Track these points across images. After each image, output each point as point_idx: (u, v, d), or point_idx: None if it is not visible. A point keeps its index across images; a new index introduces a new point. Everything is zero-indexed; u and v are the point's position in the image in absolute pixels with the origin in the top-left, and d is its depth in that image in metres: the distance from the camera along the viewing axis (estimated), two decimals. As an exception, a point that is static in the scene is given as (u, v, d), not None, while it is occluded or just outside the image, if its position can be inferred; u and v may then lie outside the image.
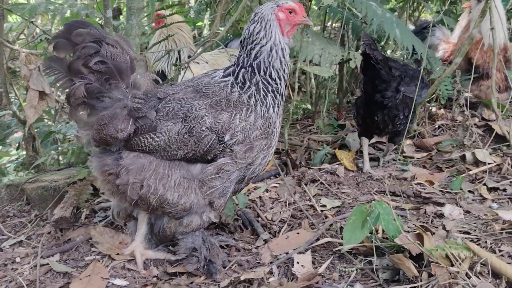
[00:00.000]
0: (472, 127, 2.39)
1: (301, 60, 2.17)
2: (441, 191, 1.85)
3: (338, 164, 2.21)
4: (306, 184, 1.96)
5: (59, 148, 2.33)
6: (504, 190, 1.77)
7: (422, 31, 3.11)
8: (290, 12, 1.43)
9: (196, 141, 1.29)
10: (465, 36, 2.70)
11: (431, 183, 1.93)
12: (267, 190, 1.94)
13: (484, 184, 1.83)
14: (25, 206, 1.94)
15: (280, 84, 1.41)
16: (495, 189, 1.80)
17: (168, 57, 2.44)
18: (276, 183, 2.01)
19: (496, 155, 2.13)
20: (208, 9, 3.83)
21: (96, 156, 1.32)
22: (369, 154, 2.30)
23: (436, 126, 2.63)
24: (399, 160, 2.30)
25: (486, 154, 2.06)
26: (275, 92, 1.41)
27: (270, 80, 1.39)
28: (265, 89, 1.39)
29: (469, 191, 1.80)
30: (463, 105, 2.50)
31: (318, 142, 2.49)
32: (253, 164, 1.39)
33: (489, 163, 1.99)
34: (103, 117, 1.25)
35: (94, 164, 1.33)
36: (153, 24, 2.32)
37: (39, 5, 1.95)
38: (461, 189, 1.83)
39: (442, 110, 2.72)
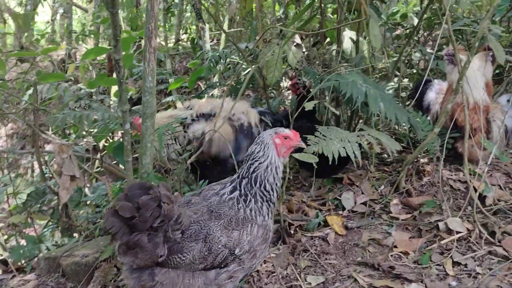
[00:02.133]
0: (448, 191, 2.67)
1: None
2: (414, 262, 2.14)
3: (329, 229, 2.51)
4: (299, 254, 2.28)
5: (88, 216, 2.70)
6: (466, 265, 2.04)
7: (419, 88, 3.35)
8: (286, 138, 1.77)
9: (214, 256, 1.63)
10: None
11: (407, 253, 2.22)
12: (265, 261, 2.26)
13: (451, 257, 2.10)
14: (61, 278, 2.33)
15: (273, 195, 1.74)
16: (458, 263, 2.08)
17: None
18: (273, 252, 2.33)
19: (468, 220, 2.39)
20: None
21: (129, 271, 1.64)
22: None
23: (423, 183, 2.89)
24: (385, 220, 2.59)
25: (458, 223, 2.32)
26: (269, 202, 1.73)
27: (265, 192, 1.72)
28: (261, 200, 1.71)
29: (437, 265, 2.08)
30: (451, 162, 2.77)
31: (313, 207, 2.78)
32: (254, 263, 1.71)
33: (460, 232, 2.27)
34: (147, 248, 1.55)
35: (130, 282, 1.64)
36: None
37: (69, 114, 2.33)
38: (431, 260, 2.11)
39: (430, 166, 2.97)
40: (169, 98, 4.49)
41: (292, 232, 2.49)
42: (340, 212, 2.73)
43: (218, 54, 3.87)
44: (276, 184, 1.73)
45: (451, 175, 2.90)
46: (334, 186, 3.11)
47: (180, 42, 8.50)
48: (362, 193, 2.90)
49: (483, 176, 2.52)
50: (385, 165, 3.30)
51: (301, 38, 4.07)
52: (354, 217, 2.67)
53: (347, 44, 3.71)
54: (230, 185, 1.74)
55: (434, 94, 3.38)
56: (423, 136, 2.78)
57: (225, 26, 6.24)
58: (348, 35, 3.76)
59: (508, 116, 2.81)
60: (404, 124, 2.68)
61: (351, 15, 4.69)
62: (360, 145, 2.40)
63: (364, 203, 2.80)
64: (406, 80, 5.10)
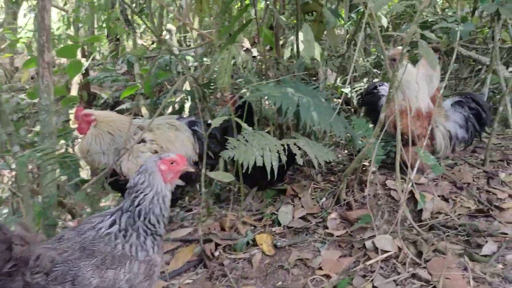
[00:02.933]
0: (389, 202, 2.53)
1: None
2: (334, 287, 2.01)
3: (257, 248, 2.38)
4: (217, 279, 2.15)
5: None
6: (384, 291, 1.91)
7: (372, 92, 3.21)
8: (172, 163, 1.63)
9: (84, 301, 1.47)
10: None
11: (329, 276, 2.09)
12: (180, 288, 2.14)
13: (372, 281, 1.97)
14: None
15: (159, 227, 1.60)
16: (379, 288, 1.94)
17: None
18: (190, 278, 2.20)
19: (401, 237, 2.25)
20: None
21: None
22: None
23: (366, 194, 2.75)
24: (320, 237, 2.46)
25: (387, 241, 2.19)
26: (155, 235, 1.59)
27: (149, 225, 1.58)
28: (144, 234, 1.57)
29: (357, 291, 1.95)
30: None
31: (248, 224, 2.65)
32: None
33: (387, 251, 2.13)
34: None
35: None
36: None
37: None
38: (351, 284, 1.98)
39: (372, 176, 2.83)
40: (122, 106, 4.35)
41: (217, 254, 2.36)
42: (275, 228, 2.60)
43: (166, 59, 3.72)
44: (163, 216, 1.59)
45: (395, 185, 2.76)
46: (277, 198, 2.98)
47: (154, 45, 8.35)
48: (302, 206, 2.77)
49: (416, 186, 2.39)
50: (333, 174, 3.17)
51: (254, 43, 3.93)
52: (288, 233, 2.54)
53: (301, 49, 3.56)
54: (110, 217, 1.59)
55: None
56: (361, 146, 2.65)
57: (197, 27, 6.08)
58: (301, 38, 3.62)
59: (452, 121, 2.67)
60: (339, 135, 2.53)
61: (309, 16, 4.56)
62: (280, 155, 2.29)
63: (303, 218, 2.67)
64: (376, 80, 4.96)
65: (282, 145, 2.41)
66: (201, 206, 2.53)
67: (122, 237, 1.55)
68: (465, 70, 5.39)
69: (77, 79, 5.17)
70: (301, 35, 3.28)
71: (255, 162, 2.28)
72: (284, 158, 2.33)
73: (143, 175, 1.58)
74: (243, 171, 2.27)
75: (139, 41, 9.09)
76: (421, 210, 2.42)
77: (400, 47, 2.61)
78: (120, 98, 4.39)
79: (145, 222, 1.56)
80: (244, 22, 2.96)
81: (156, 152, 2.61)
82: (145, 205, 1.55)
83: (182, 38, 7.35)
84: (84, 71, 6.83)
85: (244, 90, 2.82)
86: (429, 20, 5.11)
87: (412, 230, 2.29)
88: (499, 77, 3.00)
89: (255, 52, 3.86)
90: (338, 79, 5.00)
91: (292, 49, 3.59)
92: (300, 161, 2.38)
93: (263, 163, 2.29)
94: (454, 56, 2.59)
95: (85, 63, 5.52)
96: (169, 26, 6.00)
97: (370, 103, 3.16)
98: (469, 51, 4.72)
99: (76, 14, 7.88)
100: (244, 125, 2.16)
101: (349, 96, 4.90)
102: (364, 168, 3.03)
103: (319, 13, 3.87)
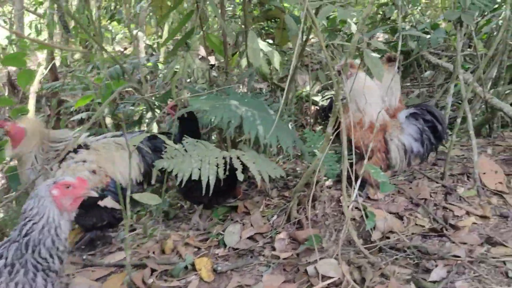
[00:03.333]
0: (342, 220, 2.37)
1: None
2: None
3: (195, 274, 2.20)
4: (146, 312, 1.97)
5: None
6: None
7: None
8: (68, 187, 1.45)
9: None
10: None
11: (266, 307, 1.91)
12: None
13: (309, 313, 1.80)
14: None
15: (53, 261, 1.41)
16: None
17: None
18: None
19: (349, 261, 2.09)
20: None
21: None
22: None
23: (319, 211, 2.59)
24: (266, 259, 2.28)
25: (332, 266, 2.02)
26: (47, 271, 1.40)
27: (39, 259, 1.39)
28: (34, 269, 1.39)
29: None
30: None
31: (190, 245, 2.47)
32: None
33: (331, 277, 1.97)
34: None
35: None
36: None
37: None
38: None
39: (326, 192, 2.67)
40: (77, 116, 4.14)
41: (150, 281, 2.17)
42: (219, 250, 2.42)
43: (117, 70, 3.54)
44: (58, 249, 1.41)
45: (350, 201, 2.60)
46: (228, 216, 2.80)
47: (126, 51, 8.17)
48: (251, 225, 2.60)
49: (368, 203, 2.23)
50: (288, 189, 3.00)
51: (212, 51, 3.77)
52: (232, 256, 2.36)
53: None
54: (-1, 249, 1.42)
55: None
56: (311, 160, 2.49)
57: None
58: (261, 46, 3.47)
59: (406, 134, 2.53)
60: (286, 149, 2.37)
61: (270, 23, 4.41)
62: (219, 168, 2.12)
63: (251, 238, 2.50)
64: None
65: (224, 158, 2.25)
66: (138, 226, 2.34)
67: (7, 274, 1.36)
68: (440, 77, 5.29)
69: (35, 88, 4.95)
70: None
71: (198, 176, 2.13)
72: (222, 173, 2.16)
73: (33, 201, 1.40)
74: (181, 185, 2.11)
75: (118, 48, 8.91)
76: (374, 229, 2.26)
77: (356, 60, 2.46)
78: (75, 107, 4.19)
79: (34, 256, 1.37)
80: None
81: (94, 172, 2.42)
82: (34, 236, 1.37)
83: (155, 45, 7.18)
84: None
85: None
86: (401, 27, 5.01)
87: (361, 253, 2.13)
88: (460, 85, 2.87)
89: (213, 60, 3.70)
90: (311, 87, 4.87)
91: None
92: (240, 176, 2.21)
93: (200, 177, 2.13)
94: (409, 62, 2.46)
95: (44, 70, 5.31)
96: (137, 32, 5.83)
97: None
98: (438, 59, 4.61)
99: (47, 20, 7.67)
100: (170, 142, 1.99)
101: (319, 104, 4.77)
102: (319, 183, 2.88)
103: (282, 20, 3.75)
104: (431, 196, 2.53)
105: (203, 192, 2.13)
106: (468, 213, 2.37)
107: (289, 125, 3.60)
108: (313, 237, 2.18)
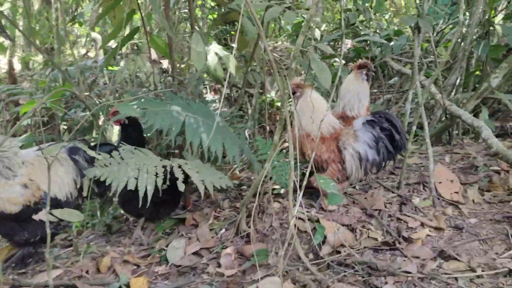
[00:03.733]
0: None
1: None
2: None
3: (128, 297, 2.01)
4: None
5: None
6: None
7: None
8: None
9: None
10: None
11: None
12: None
13: None
14: None
15: None
16: None
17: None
18: None
19: (294, 279, 1.95)
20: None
21: None
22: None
23: (270, 224, 2.45)
24: (209, 277, 2.12)
25: (275, 285, 1.87)
26: None
27: None
28: None
29: None
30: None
31: (129, 262, 2.27)
32: None
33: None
34: None
35: None
36: None
37: None
38: None
39: (276, 204, 2.53)
40: (23, 122, 3.87)
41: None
42: (161, 267, 2.24)
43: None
44: None
45: (303, 213, 2.47)
46: (175, 229, 2.62)
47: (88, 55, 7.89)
48: (198, 239, 2.43)
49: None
50: (242, 200, 2.84)
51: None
52: (174, 274, 2.19)
53: (213, 61, 3.25)
54: None
55: None
56: (259, 170, 2.35)
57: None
58: (214, 49, 3.31)
59: (361, 142, 2.42)
60: (233, 158, 2.22)
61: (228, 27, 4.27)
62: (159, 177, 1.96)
63: (196, 253, 2.33)
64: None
65: (164, 167, 2.08)
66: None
67: None
68: (406, 84, 5.27)
69: (-18, 92, 4.63)
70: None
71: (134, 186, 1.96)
72: (160, 182, 1.99)
73: None
74: (117, 196, 1.93)
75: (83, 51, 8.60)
76: (324, 243, 2.13)
77: (298, 78, 2.35)
78: (20, 113, 3.92)
79: None
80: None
81: (26, 186, 2.21)
82: None
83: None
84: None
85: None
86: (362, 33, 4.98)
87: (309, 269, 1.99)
88: (417, 91, 2.79)
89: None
90: (276, 92, 4.76)
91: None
92: (181, 187, 2.05)
93: (136, 186, 1.96)
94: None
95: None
96: (94, 34, 5.60)
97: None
98: (399, 65, 4.58)
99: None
100: (91, 152, 1.80)
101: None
102: (273, 193, 2.74)
103: (240, 23, 3.61)
104: (385, 206, 2.43)
105: (140, 203, 1.96)
106: (422, 224, 2.28)
107: (246, 133, 3.46)
108: (255, 254, 2.04)
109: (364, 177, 2.61)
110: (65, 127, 4.63)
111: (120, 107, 1.82)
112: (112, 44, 4.01)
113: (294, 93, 2.43)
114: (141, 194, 1.96)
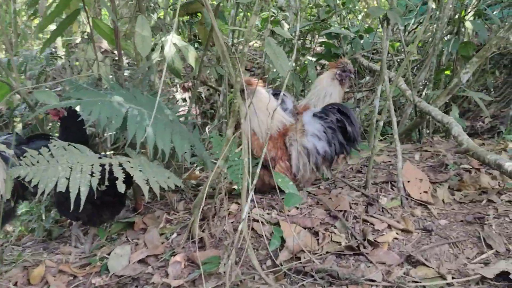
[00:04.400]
0: (251, 237, 2.02)
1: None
2: None
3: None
4: None
5: None
6: None
7: None
8: None
9: None
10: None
11: None
12: None
13: None
14: None
15: None
16: None
17: None
18: None
19: (247, 289, 1.74)
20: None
21: None
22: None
23: (226, 228, 2.23)
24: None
25: (224, 297, 1.66)
26: None
27: None
28: None
29: None
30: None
31: (65, 273, 2.01)
32: None
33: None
34: None
35: None
36: None
37: None
38: None
39: (234, 205, 2.32)
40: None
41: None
42: (100, 278, 1.99)
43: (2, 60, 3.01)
44: None
45: (263, 215, 2.27)
46: (123, 234, 2.38)
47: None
48: (145, 245, 2.19)
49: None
50: (198, 201, 2.62)
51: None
52: (114, 286, 1.94)
53: (169, 52, 3.01)
54: None
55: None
56: (212, 168, 2.13)
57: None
58: (173, 40, 3.08)
59: (309, 135, 2.24)
60: (182, 154, 1.99)
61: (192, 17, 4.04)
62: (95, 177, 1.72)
63: (143, 261, 2.09)
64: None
65: (102, 165, 1.84)
66: None
67: None
68: (378, 81, 5.15)
69: None
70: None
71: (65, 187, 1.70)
72: (95, 183, 1.75)
73: None
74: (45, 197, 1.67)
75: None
76: (282, 249, 1.93)
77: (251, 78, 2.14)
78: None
79: None
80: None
81: None
82: None
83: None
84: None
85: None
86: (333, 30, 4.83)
87: (269, 276, 1.78)
88: (385, 87, 2.63)
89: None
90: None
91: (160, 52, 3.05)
92: (121, 187, 1.81)
93: (67, 187, 1.71)
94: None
95: None
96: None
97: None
98: (369, 62, 4.45)
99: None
100: (2, 147, 1.53)
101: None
102: (233, 193, 2.54)
103: (203, 14, 3.41)
104: (351, 207, 2.25)
105: (71, 206, 1.71)
106: (389, 226, 2.11)
107: (207, 130, 3.24)
108: (203, 262, 1.82)
109: (317, 174, 2.43)
110: (20, 124, 4.30)
111: (38, 94, 1.56)
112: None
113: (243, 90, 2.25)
114: (72, 196, 1.71)
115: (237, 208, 2.32)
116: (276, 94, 2.63)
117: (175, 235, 2.24)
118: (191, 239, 2.15)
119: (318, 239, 2.06)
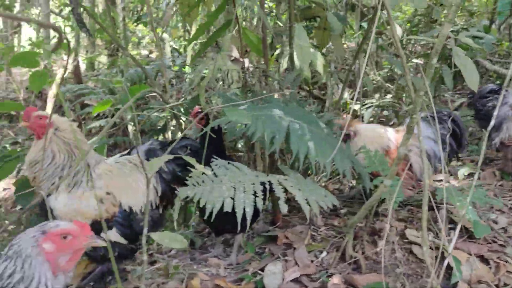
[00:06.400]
0: (411, 262, 1.88)
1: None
2: None
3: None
4: None
5: None
6: None
7: (486, 96, 2.84)
8: (65, 237, 1.02)
9: None
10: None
11: None
12: None
13: None
14: None
15: None
16: None
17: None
18: None
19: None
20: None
21: None
22: None
23: (380, 249, 2.11)
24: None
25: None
26: None
27: None
28: None
29: None
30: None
31: None
32: None
33: None
34: None
35: None
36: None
37: None
38: None
39: (391, 224, 2.19)
40: (95, 123, 3.75)
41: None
42: (258, 296, 1.96)
43: (138, 70, 3.14)
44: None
45: (418, 237, 2.12)
46: (265, 248, 2.34)
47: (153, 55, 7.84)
48: (296, 263, 2.14)
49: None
50: (337, 217, 2.53)
51: (246, 51, 3.34)
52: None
53: (304, 59, 2.95)
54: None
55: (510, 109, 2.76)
56: (372, 186, 2.02)
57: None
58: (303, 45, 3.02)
59: (424, 137, 2.07)
60: (343, 172, 1.90)
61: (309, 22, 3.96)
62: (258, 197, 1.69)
63: (296, 280, 2.03)
64: (389, 96, 4.33)
65: (262, 184, 1.80)
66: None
67: None
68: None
69: (54, 92, 4.60)
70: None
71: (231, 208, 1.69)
72: (261, 203, 1.72)
73: (13, 261, 0.97)
74: (209, 217, 1.66)
75: (145, 52, 8.62)
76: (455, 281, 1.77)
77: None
78: (93, 113, 3.79)
79: None
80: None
81: (101, 201, 1.96)
82: (16, 315, 0.95)
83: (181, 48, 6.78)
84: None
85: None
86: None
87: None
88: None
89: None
90: (347, 93, 4.39)
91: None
92: (284, 208, 1.76)
93: (233, 208, 1.69)
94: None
95: (63, 72, 4.97)
96: (164, 35, 5.49)
97: (483, 112, 2.85)
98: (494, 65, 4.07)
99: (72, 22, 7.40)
100: (199, 166, 1.52)
101: (359, 113, 4.28)
102: (377, 211, 2.40)
103: (323, 19, 3.30)
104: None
105: (238, 227, 1.68)
106: None
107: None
108: (377, 285, 1.71)
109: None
110: (135, 128, 4.49)
111: (229, 113, 1.54)
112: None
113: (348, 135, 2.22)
114: (239, 217, 1.68)
115: (389, 227, 2.19)
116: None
117: (324, 253, 2.17)
118: (343, 260, 2.06)
119: (490, 268, 1.87)
